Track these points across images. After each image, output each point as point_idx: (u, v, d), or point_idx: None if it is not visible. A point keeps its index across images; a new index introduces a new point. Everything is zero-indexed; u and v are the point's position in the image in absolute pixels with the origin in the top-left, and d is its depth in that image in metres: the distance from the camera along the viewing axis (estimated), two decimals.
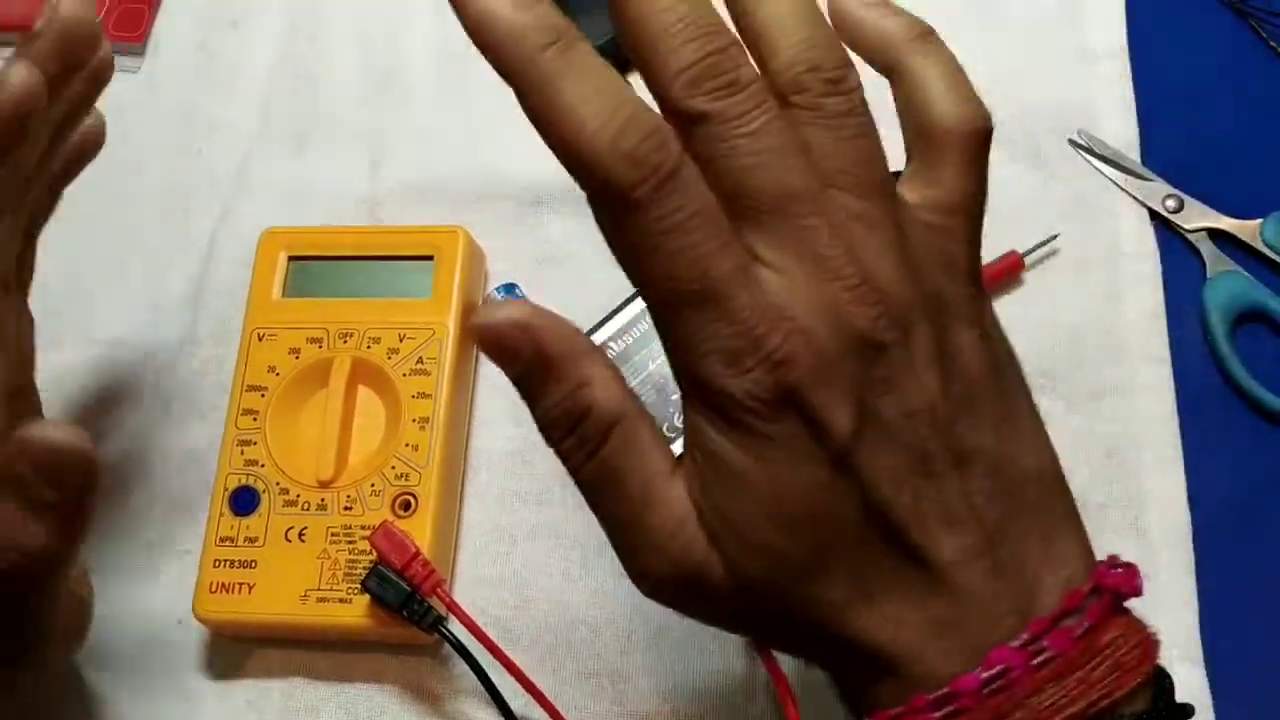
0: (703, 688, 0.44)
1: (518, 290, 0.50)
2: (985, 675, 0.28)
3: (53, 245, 0.51)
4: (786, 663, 0.37)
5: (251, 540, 0.44)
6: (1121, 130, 0.51)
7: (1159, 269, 0.49)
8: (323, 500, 0.45)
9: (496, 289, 0.50)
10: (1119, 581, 0.29)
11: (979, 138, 0.32)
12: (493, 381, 0.50)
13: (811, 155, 0.28)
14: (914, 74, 0.33)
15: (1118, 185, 0.50)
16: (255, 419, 0.46)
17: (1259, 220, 0.49)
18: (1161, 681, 0.29)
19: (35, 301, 0.51)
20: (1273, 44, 0.53)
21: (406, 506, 0.44)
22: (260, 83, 0.58)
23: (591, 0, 0.54)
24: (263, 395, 0.47)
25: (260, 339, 0.48)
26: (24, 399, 0.41)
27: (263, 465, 0.45)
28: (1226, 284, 0.48)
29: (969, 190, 0.32)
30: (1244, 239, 0.49)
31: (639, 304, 0.50)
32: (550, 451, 0.47)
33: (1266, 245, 0.49)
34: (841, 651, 0.30)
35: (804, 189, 0.28)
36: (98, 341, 0.52)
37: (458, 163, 0.54)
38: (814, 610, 0.29)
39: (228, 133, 0.57)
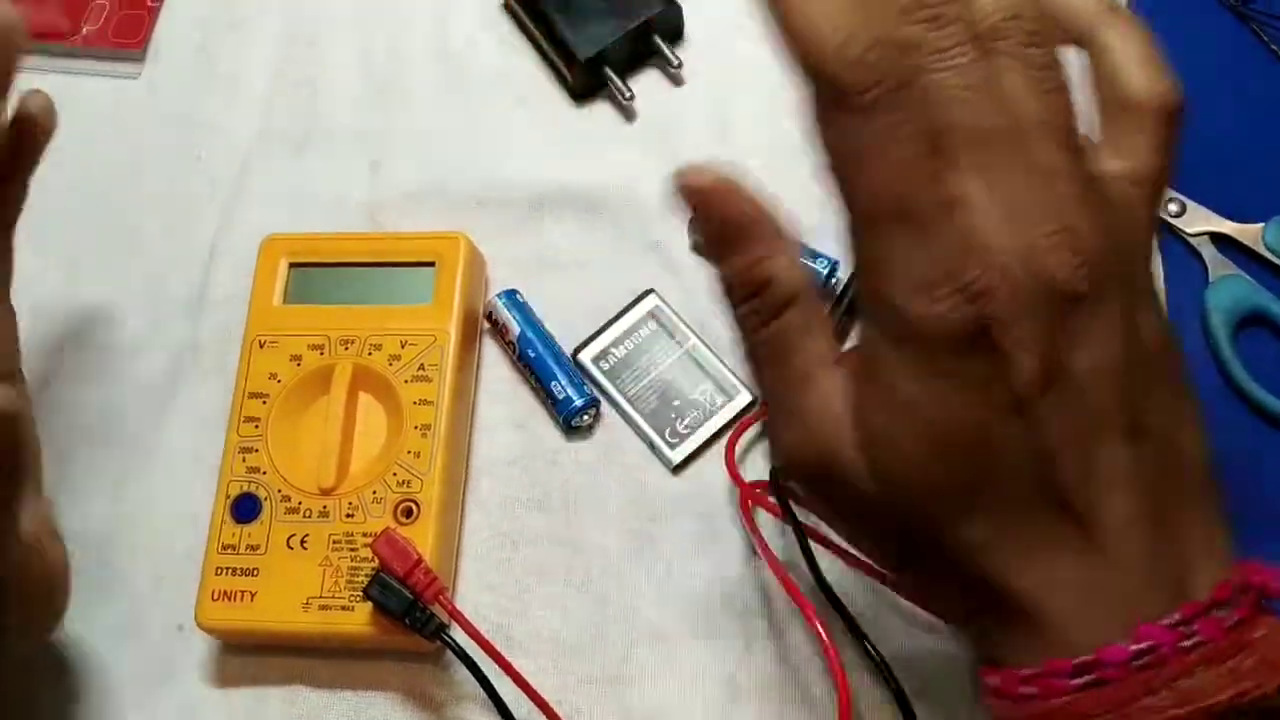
0: (705, 693, 0.44)
1: (519, 296, 0.50)
2: (1134, 649, 0.27)
3: (53, 251, 0.51)
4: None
5: (253, 548, 0.44)
6: None
7: (1161, 273, 0.49)
8: (324, 507, 0.45)
9: (498, 295, 0.50)
10: (1267, 579, 0.29)
11: (1173, 112, 0.33)
12: (494, 387, 0.50)
13: (1013, 102, 0.28)
14: (1108, 47, 0.33)
15: None
16: (257, 426, 0.46)
17: (1261, 224, 0.49)
18: None
19: (35, 307, 0.51)
20: (1274, 47, 0.53)
21: (408, 513, 0.44)
22: (260, 88, 0.58)
23: (587, 12, 0.54)
24: (264, 402, 0.47)
25: (261, 346, 0.48)
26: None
27: (264, 472, 0.45)
28: (1228, 288, 0.48)
29: (1159, 164, 0.32)
30: (1246, 243, 0.49)
31: (641, 309, 0.50)
32: (551, 458, 0.48)
33: (1268, 249, 0.49)
34: (976, 594, 0.30)
35: (1008, 130, 0.28)
36: (98, 348, 0.52)
37: (458, 167, 0.54)
38: (954, 544, 0.29)
39: (228, 138, 0.57)
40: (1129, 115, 0.32)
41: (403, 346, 0.47)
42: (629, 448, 0.48)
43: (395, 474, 0.45)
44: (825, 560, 0.42)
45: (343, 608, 0.43)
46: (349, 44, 0.58)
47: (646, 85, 0.55)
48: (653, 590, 0.45)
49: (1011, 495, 0.29)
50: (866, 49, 0.28)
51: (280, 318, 0.48)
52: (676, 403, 0.48)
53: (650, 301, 0.50)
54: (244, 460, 0.46)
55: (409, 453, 0.45)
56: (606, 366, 0.49)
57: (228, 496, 0.45)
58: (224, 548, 0.44)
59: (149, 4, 0.60)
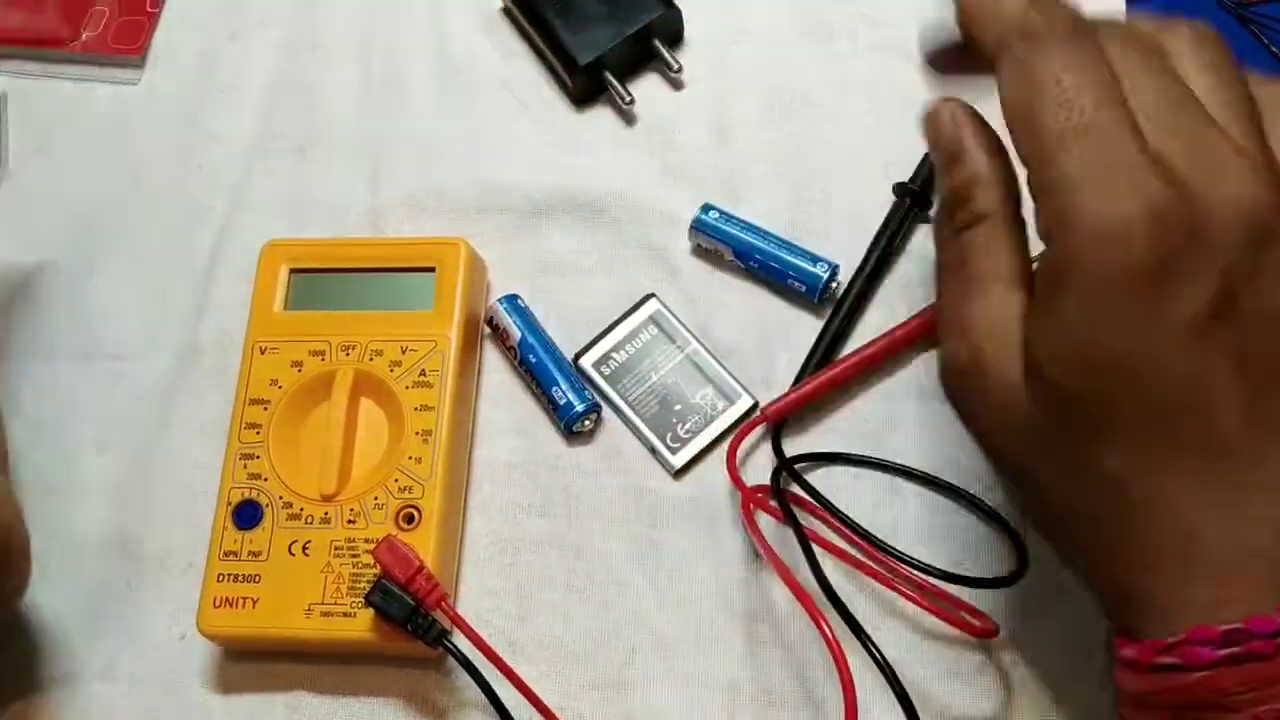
0: (707, 698, 0.44)
1: (520, 301, 0.50)
2: None
3: (53, 258, 0.51)
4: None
5: (255, 554, 0.44)
6: None
7: None
8: (326, 514, 0.45)
9: (499, 300, 0.50)
10: None
11: None
12: (495, 393, 0.50)
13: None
14: None
15: None
16: (258, 432, 0.46)
17: None
18: None
19: (35, 313, 0.51)
20: (1275, 50, 0.53)
21: (410, 519, 0.44)
22: (260, 94, 0.58)
23: (587, 17, 0.54)
24: (265, 408, 0.47)
25: (262, 352, 0.48)
26: None
27: (266, 479, 0.45)
28: None
29: None
30: None
31: (641, 314, 0.50)
32: (552, 463, 0.48)
33: None
34: (1119, 535, 0.30)
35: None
36: (98, 355, 0.52)
37: (458, 173, 0.54)
38: (1099, 473, 0.30)
39: (228, 145, 0.57)
40: None
41: (404, 352, 0.47)
42: (630, 453, 0.48)
43: (396, 480, 0.45)
44: (828, 563, 0.42)
45: (344, 614, 0.43)
46: (349, 49, 0.58)
47: (646, 89, 0.55)
48: (654, 595, 0.45)
49: (1168, 428, 0.29)
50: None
51: (281, 324, 0.48)
52: (678, 407, 0.48)
53: (651, 306, 0.50)
54: (245, 467, 0.46)
55: (410, 459, 0.45)
56: (607, 371, 0.49)
57: (229, 503, 0.45)
58: (225, 554, 0.44)
59: (149, 10, 0.60)
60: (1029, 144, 0.31)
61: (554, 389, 0.47)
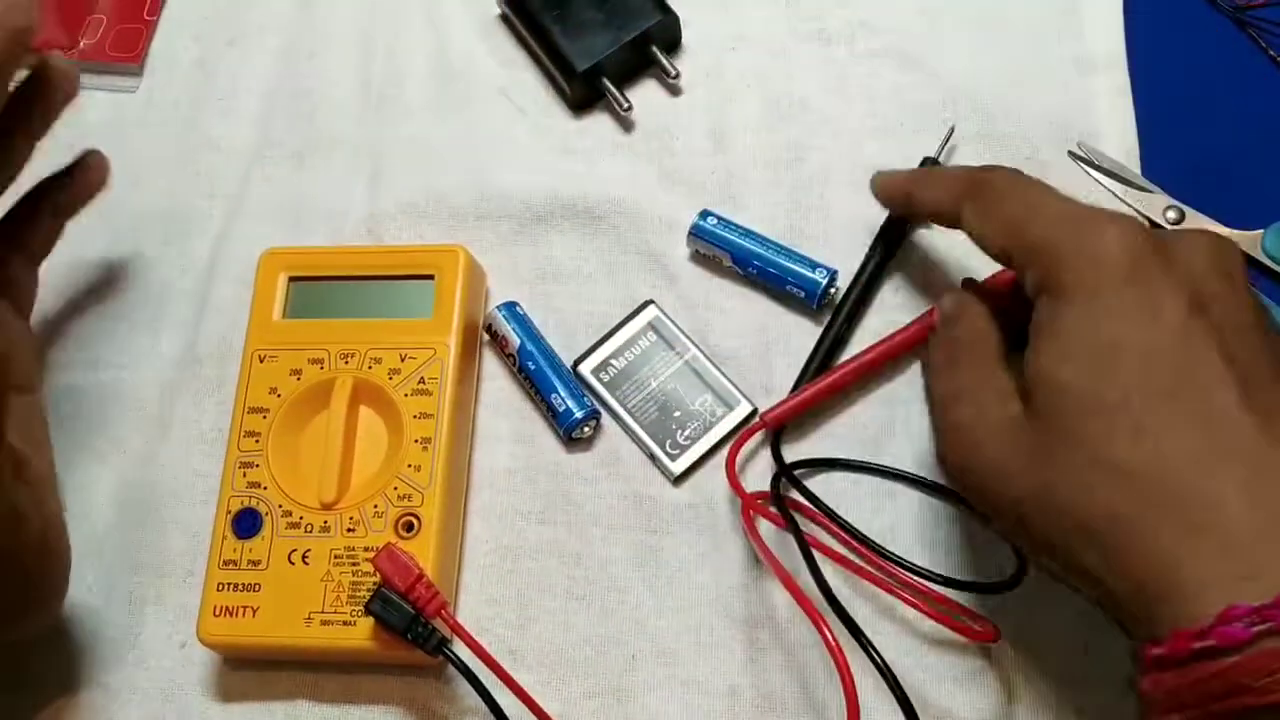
0: (708, 704, 0.44)
1: (519, 308, 0.50)
2: None
3: (52, 266, 0.51)
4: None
5: (255, 563, 0.44)
6: (1121, 142, 0.51)
7: None
8: (325, 522, 0.45)
9: (498, 307, 0.50)
10: None
11: None
12: (494, 400, 0.50)
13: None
14: None
15: (1118, 197, 0.50)
16: (257, 441, 0.46)
17: (1259, 231, 0.49)
18: None
19: (34, 322, 0.51)
20: (1272, 54, 0.53)
21: (409, 527, 0.44)
22: (259, 101, 0.58)
23: (584, 24, 0.54)
24: (264, 417, 0.46)
25: (261, 360, 0.48)
26: None
27: (265, 487, 0.45)
28: None
29: None
30: (1245, 249, 0.49)
31: (640, 320, 0.50)
32: (553, 469, 0.48)
33: (1267, 256, 0.49)
34: (1135, 528, 0.32)
35: None
36: (97, 364, 0.52)
37: (457, 180, 0.54)
38: (1119, 456, 0.33)
39: (226, 152, 0.57)
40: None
41: (402, 360, 0.47)
42: (630, 459, 0.48)
43: (396, 488, 0.45)
44: (828, 568, 0.42)
45: (344, 623, 0.43)
46: (347, 57, 0.58)
47: (644, 95, 0.55)
48: (654, 601, 0.45)
49: (1170, 403, 0.33)
50: None
51: (280, 332, 0.48)
52: (677, 414, 0.48)
53: (650, 313, 0.50)
54: (244, 475, 0.46)
55: (410, 466, 0.45)
56: (607, 378, 0.49)
57: (228, 512, 0.45)
58: (225, 563, 0.44)
59: (146, 18, 0.60)
60: (1019, 245, 0.38)
61: (553, 396, 0.47)
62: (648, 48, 0.54)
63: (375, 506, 0.45)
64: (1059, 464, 0.34)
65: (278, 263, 0.50)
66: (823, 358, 0.48)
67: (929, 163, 0.51)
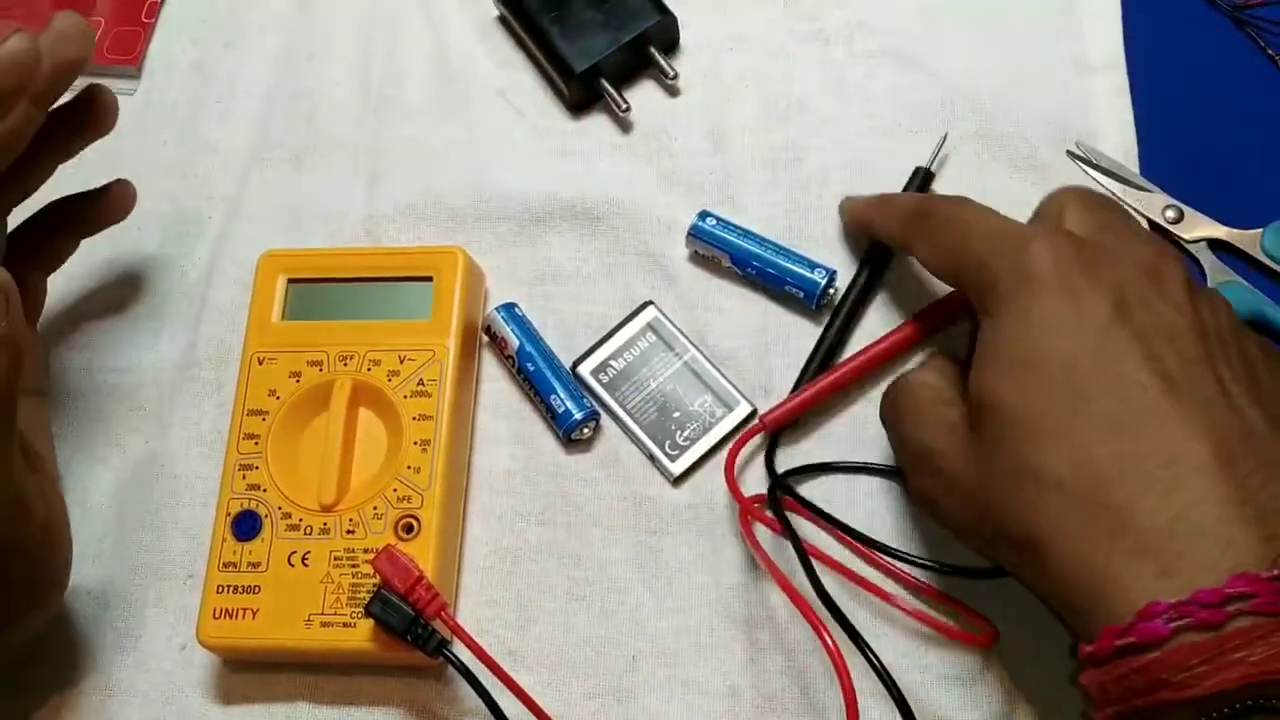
0: (708, 705, 0.44)
1: (518, 309, 0.50)
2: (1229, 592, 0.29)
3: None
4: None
5: (254, 565, 0.44)
6: (1120, 141, 0.51)
7: None
8: (325, 524, 0.45)
9: (497, 309, 0.50)
10: None
11: None
12: (493, 401, 0.50)
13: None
14: None
15: (1116, 196, 0.50)
16: (256, 443, 0.46)
17: (1259, 230, 0.49)
18: None
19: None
20: (1271, 53, 0.53)
21: (409, 529, 0.44)
22: (257, 103, 0.58)
23: (582, 25, 0.54)
24: (263, 419, 0.46)
25: (260, 362, 0.48)
26: None
27: (264, 490, 0.45)
28: (1227, 294, 0.48)
29: None
30: (1244, 248, 0.49)
31: (639, 321, 0.50)
32: (551, 471, 0.48)
33: (1266, 254, 0.49)
34: (1064, 531, 0.33)
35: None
36: (96, 366, 0.52)
37: (455, 181, 0.54)
38: (1044, 466, 0.34)
39: (225, 154, 0.57)
40: None
41: (402, 362, 0.47)
42: (629, 460, 0.48)
43: (395, 490, 0.45)
44: (826, 574, 0.42)
45: (344, 625, 0.43)
46: (345, 59, 0.58)
47: (642, 96, 0.55)
48: (654, 602, 0.45)
49: (1090, 407, 0.34)
50: None
51: (279, 334, 0.48)
52: (676, 414, 0.48)
53: (649, 313, 0.50)
54: (244, 477, 0.46)
55: (409, 468, 0.45)
56: (606, 379, 0.49)
57: (228, 514, 0.45)
58: (225, 565, 0.44)
59: (144, 20, 0.60)
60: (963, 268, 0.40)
61: (552, 397, 0.47)
62: (646, 49, 0.54)
63: (375, 508, 0.45)
64: (994, 482, 0.35)
65: (276, 265, 0.50)
66: (822, 359, 0.48)
67: (921, 172, 0.51)
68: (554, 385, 0.48)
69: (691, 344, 0.49)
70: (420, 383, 0.46)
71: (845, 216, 0.50)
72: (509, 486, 0.48)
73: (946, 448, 0.38)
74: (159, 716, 0.45)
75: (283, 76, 0.58)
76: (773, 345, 0.49)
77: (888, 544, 0.44)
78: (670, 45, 0.56)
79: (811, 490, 0.46)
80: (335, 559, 0.44)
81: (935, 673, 0.43)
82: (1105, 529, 0.32)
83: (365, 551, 0.44)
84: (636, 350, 0.49)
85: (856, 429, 0.47)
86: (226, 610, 0.44)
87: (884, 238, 0.47)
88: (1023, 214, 0.50)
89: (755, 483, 0.47)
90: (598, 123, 0.55)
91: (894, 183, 0.51)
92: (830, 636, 0.38)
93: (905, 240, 0.44)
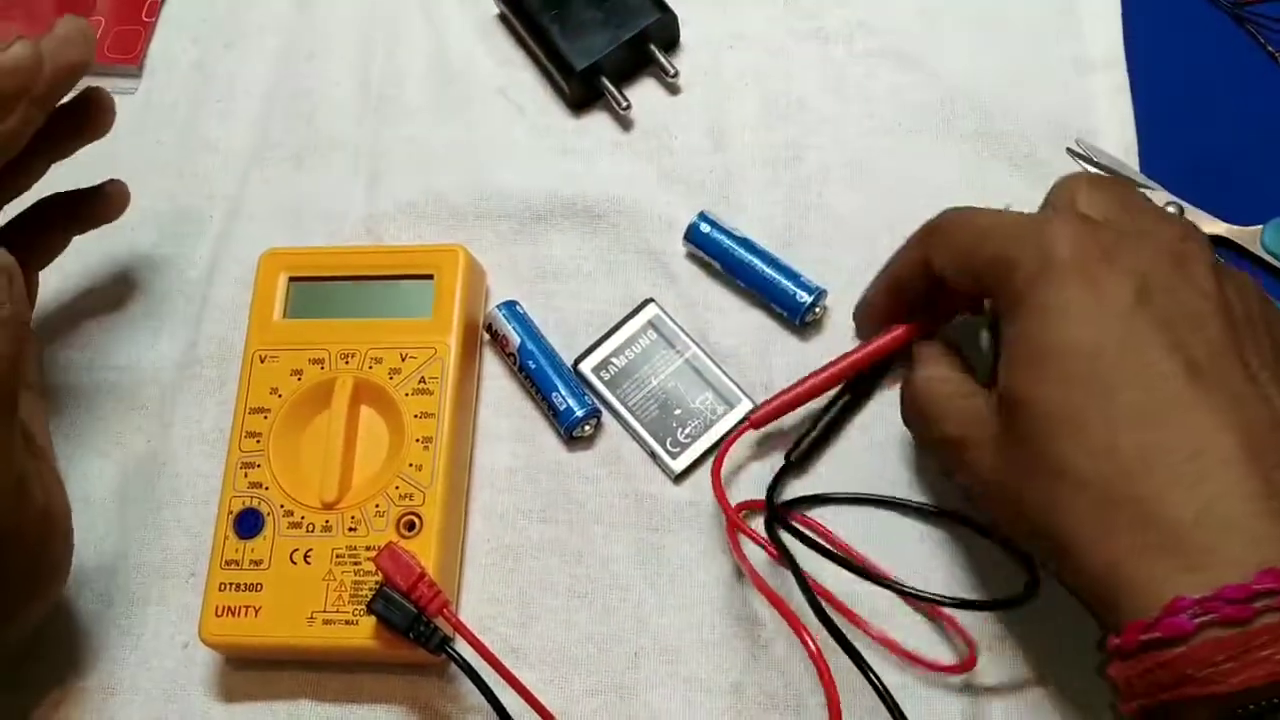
0: (710, 703, 0.44)
1: (519, 307, 0.50)
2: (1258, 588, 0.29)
3: (52, 267, 0.51)
4: None
5: (256, 563, 0.44)
6: (1120, 139, 0.51)
7: None
8: (327, 522, 0.45)
9: (498, 306, 0.50)
10: None
11: None
12: (495, 399, 0.50)
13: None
14: None
15: None
16: (258, 441, 0.46)
17: (1259, 226, 0.49)
18: None
19: (34, 324, 0.51)
20: (1271, 50, 0.53)
21: (411, 526, 0.44)
22: (258, 102, 0.58)
23: (582, 23, 0.54)
24: (265, 417, 0.47)
25: (261, 361, 0.48)
26: None
27: (266, 487, 0.45)
28: None
29: None
30: (1244, 245, 0.49)
31: (641, 319, 0.50)
32: (554, 468, 0.48)
33: (1267, 251, 0.49)
34: (1090, 524, 0.33)
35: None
36: (98, 365, 0.52)
37: (456, 179, 0.54)
38: (1068, 460, 0.33)
39: (225, 153, 0.57)
40: None
41: (403, 359, 0.47)
42: (630, 458, 0.48)
43: (397, 487, 0.45)
44: (828, 570, 0.42)
45: (346, 622, 0.43)
46: (345, 58, 0.58)
47: (643, 94, 0.55)
48: (656, 599, 0.45)
49: (1114, 401, 0.33)
50: None
51: (280, 332, 0.48)
52: (678, 412, 0.48)
53: (650, 311, 0.50)
54: (246, 475, 0.46)
55: (411, 466, 0.45)
56: (607, 376, 0.49)
57: (230, 512, 0.45)
58: (227, 563, 0.44)
59: (145, 19, 0.60)
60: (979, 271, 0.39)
61: (554, 394, 0.48)
62: (646, 46, 0.54)
63: (377, 506, 0.45)
64: (1023, 476, 0.35)
65: (278, 263, 0.50)
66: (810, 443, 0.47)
67: None
68: (555, 383, 0.48)
69: (692, 341, 0.49)
70: (422, 380, 0.46)
71: (864, 314, 0.47)
72: (511, 484, 0.48)
73: (976, 440, 0.38)
74: (161, 714, 0.45)
75: (283, 76, 0.59)
76: (773, 343, 0.49)
77: (884, 574, 0.43)
78: (671, 43, 0.56)
79: (820, 512, 0.46)
80: (337, 556, 0.44)
81: (932, 683, 0.43)
82: (1130, 522, 0.32)
83: (367, 549, 0.44)
84: (637, 348, 0.49)
85: (860, 458, 0.47)
86: (229, 608, 0.44)
87: (904, 276, 0.44)
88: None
89: (752, 480, 0.47)
90: (598, 121, 0.55)
91: (893, 181, 0.51)
92: (813, 640, 0.38)
93: (923, 261, 0.42)
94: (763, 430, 0.46)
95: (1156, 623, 0.30)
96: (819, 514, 0.46)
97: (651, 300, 0.50)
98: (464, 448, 0.47)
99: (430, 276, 0.48)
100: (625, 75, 0.55)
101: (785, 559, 0.41)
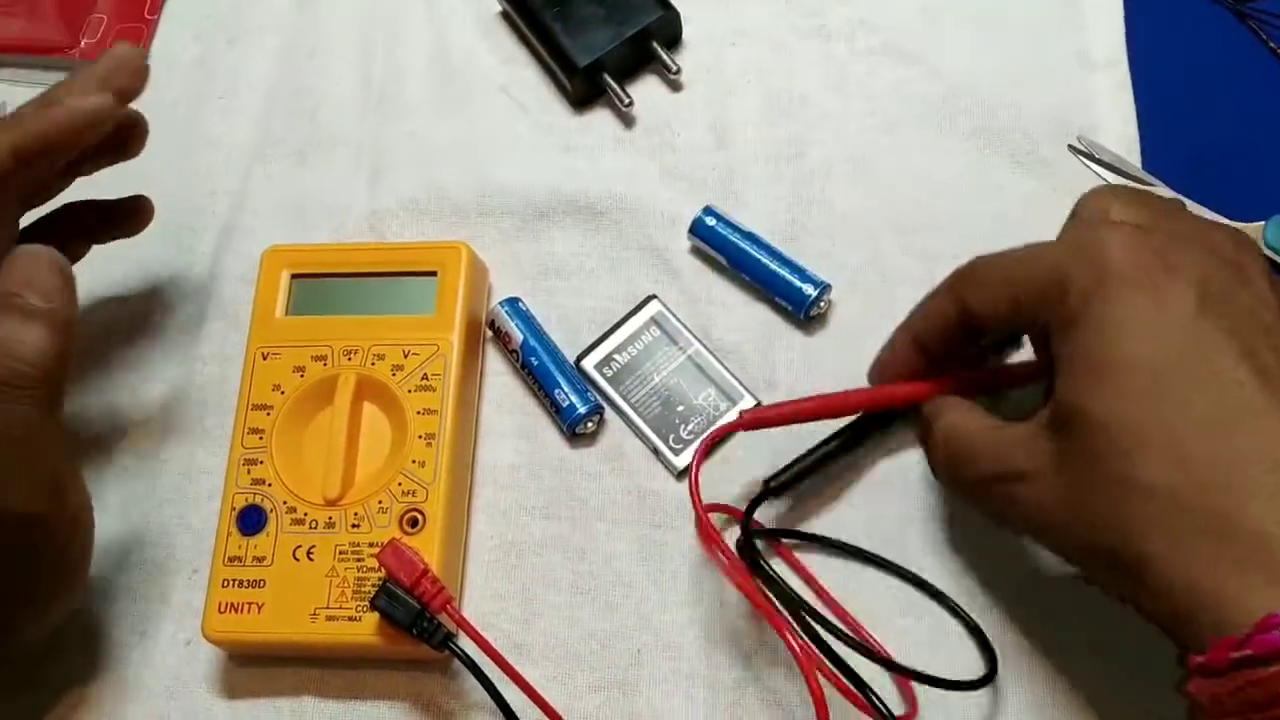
0: (712, 699, 0.44)
1: (522, 304, 0.50)
2: None
3: None
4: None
5: (259, 559, 0.44)
6: (1122, 135, 0.51)
7: None
8: (330, 518, 0.45)
9: (500, 303, 0.50)
10: None
11: None
12: (497, 396, 0.50)
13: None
14: None
15: None
16: (261, 438, 0.46)
17: (1261, 222, 0.49)
18: None
19: None
20: (1272, 46, 0.53)
21: (414, 523, 0.44)
22: (260, 100, 0.58)
23: (585, 20, 0.54)
24: (268, 414, 0.47)
25: (264, 357, 0.48)
26: None
27: (269, 484, 0.45)
28: None
29: None
30: None
31: (643, 315, 0.50)
32: (556, 464, 0.48)
33: (1269, 247, 0.49)
34: (1168, 544, 0.32)
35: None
36: (100, 363, 0.52)
37: (458, 176, 0.54)
38: (1142, 476, 0.32)
39: (228, 150, 0.57)
40: None
41: (406, 356, 0.47)
42: (633, 454, 0.48)
43: (400, 484, 0.45)
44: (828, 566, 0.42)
45: (350, 618, 0.43)
46: (347, 55, 0.59)
47: (645, 91, 0.55)
48: (659, 596, 0.45)
49: (1187, 414, 0.32)
50: None
51: (283, 329, 0.48)
52: (680, 408, 0.48)
53: (652, 307, 0.50)
54: (249, 472, 0.46)
55: (414, 462, 0.45)
56: (610, 373, 0.49)
57: (233, 509, 0.45)
58: (230, 560, 0.44)
59: (147, 17, 0.60)
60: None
61: (556, 391, 0.48)
62: (648, 43, 0.54)
63: (380, 502, 0.45)
64: (1087, 496, 0.34)
65: (280, 260, 0.50)
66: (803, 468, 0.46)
67: None
68: (558, 379, 0.48)
69: (695, 338, 0.49)
70: (424, 377, 0.46)
71: (883, 365, 0.45)
72: (513, 480, 0.48)
73: (1026, 470, 0.36)
74: (164, 711, 0.45)
75: (285, 73, 0.59)
76: (776, 339, 0.49)
77: (850, 621, 0.43)
78: (673, 40, 0.56)
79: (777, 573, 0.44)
80: (340, 553, 0.44)
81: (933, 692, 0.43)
82: (1209, 535, 0.31)
83: (370, 545, 0.44)
84: (640, 344, 0.49)
85: (856, 497, 0.46)
86: (232, 605, 0.44)
87: (933, 324, 0.42)
88: (1024, 208, 0.50)
89: (747, 481, 0.47)
90: (600, 118, 0.55)
91: (895, 177, 0.51)
92: (795, 640, 0.38)
93: (956, 304, 0.40)
94: (765, 431, 0.46)
95: (1248, 640, 0.29)
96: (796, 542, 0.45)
97: (654, 297, 0.50)
98: (467, 444, 0.47)
99: (433, 273, 0.48)
100: (627, 72, 0.55)
101: (771, 589, 0.40)
